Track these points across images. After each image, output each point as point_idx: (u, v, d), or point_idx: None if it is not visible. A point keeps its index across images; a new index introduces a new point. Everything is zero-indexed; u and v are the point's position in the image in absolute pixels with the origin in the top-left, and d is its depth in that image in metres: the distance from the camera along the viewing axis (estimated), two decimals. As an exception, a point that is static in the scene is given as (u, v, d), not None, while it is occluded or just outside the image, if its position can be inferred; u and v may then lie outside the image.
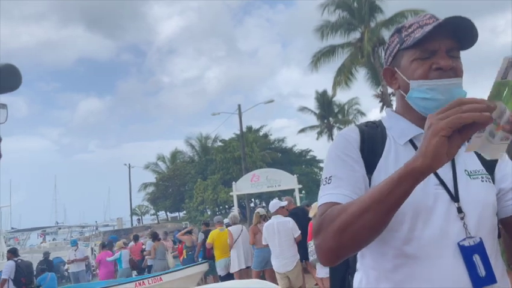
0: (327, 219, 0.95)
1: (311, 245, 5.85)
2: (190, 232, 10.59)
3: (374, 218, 0.88)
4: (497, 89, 0.77)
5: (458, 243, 0.98)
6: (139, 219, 49.81)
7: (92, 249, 14.46)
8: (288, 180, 15.82)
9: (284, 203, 6.74)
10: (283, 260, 6.11)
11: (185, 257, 10.11)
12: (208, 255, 8.83)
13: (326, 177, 1.07)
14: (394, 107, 1.22)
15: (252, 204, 31.80)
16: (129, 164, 43.44)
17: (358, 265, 1.13)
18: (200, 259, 9.39)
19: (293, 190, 16.75)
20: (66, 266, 13.74)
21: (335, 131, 32.85)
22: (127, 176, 43.46)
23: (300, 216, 6.78)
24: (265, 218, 7.31)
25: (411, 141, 1.09)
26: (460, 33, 1.03)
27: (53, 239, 34.26)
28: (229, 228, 7.90)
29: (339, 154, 1.09)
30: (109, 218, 55.53)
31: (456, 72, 1.03)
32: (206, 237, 9.26)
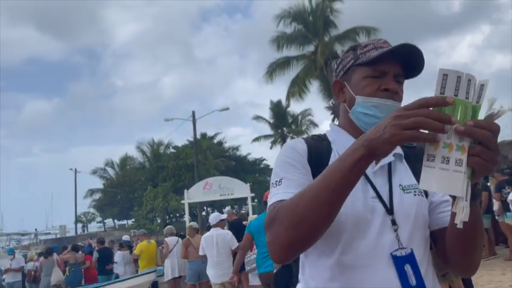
0: (279, 214, 0.95)
1: (248, 256, 6.21)
2: (77, 250, 10.89)
3: (328, 207, 0.90)
4: (438, 109, 0.79)
5: (391, 254, 1.03)
6: (84, 227, 47.72)
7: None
8: (241, 189, 15.83)
9: (224, 216, 7.06)
10: (221, 270, 6.32)
11: (68, 274, 10.34)
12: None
13: (276, 180, 1.09)
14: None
15: (203, 213, 31.46)
16: (75, 169, 41.57)
17: (300, 276, 1.15)
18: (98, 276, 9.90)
19: (246, 199, 16.77)
20: (3, 276, 12.93)
21: (288, 141, 33.32)
22: (72, 181, 41.57)
23: (238, 227, 7.10)
24: (197, 231, 7.75)
25: None
26: (409, 61, 1.10)
27: (-12, 248, 31.91)
28: (166, 239, 8.38)
29: (288, 160, 1.12)
30: (51, 225, 52.67)
31: (399, 96, 1.11)
32: (101, 255, 9.90)
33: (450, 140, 0.79)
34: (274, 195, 1.05)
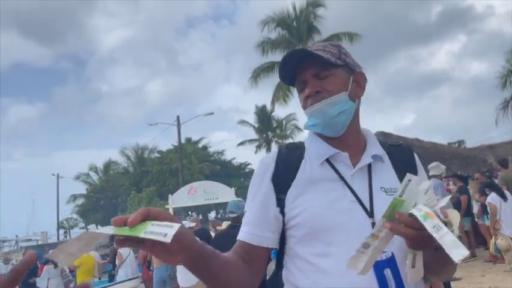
0: None
1: None
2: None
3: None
4: (392, 207, 0.86)
5: None
6: (65, 233, 46.78)
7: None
8: (225, 193, 15.79)
9: (193, 224, 7.40)
10: (189, 275, 6.51)
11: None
12: None
13: (245, 210, 1.18)
14: None
15: (188, 218, 31.23)
16: (57, 174, 40.84)
17: (284, 282, 1.16)
18: None
19: (230, 203, 16.73)
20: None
21: (273, 145, 33.49)
22: (54, 186, 40.83)
23: (202, 237, 7.47)
24: None
25: (328, 161, 1.13)
26: (311, 58, 1.12)
27: (-34, 255, 31.03)
28: (119, 250, 9.02)
29: (253, 186, 1.18)
30: (33, 231, 51.52)
31: (326, 92, 1.11)
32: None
33: (379, 232, 0.87)
34: (240, 230, 1.17)
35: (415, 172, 1.18)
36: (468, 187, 8.93)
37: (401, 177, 1.13)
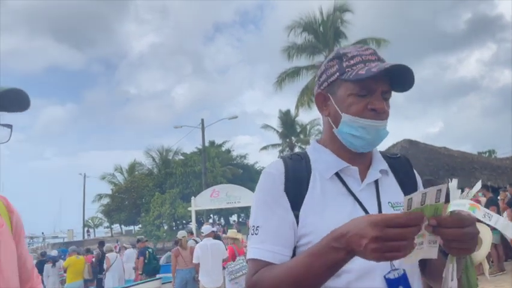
0: (261, 286, 0.99)
1: (231, 266, 6.80)
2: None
3: None
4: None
5: (384, 276, 0.99)
6: (88, 232, 47.79)
7: None
8: (247, 197, 15.80)
9: (215, 229, 8.05)
10: (214, 276, 6.90)
11: None
12: None
13: (254, 226, 1.08)
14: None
15: (210, 220, 31.43)
16: (84, 174, 41.97)
17: None
18: None
19: (252, 207, 16.76)
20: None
21: (296, 150, 33.38)
22: (81, 185, 41.92)
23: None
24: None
25: (337, 174, 1.09)
26: (398, 78, 1.05)
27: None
28: (107, 254, 10.14)
29: (266, 199, 1.09)
30: (59, 229, 52.98)
31: (386, 115, 1.08)
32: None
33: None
34: (251, 249, 1.06)
35: (415, 184, 1.19)
36: (498, 198, 8.64)
37: (404, 191, 1.13)
